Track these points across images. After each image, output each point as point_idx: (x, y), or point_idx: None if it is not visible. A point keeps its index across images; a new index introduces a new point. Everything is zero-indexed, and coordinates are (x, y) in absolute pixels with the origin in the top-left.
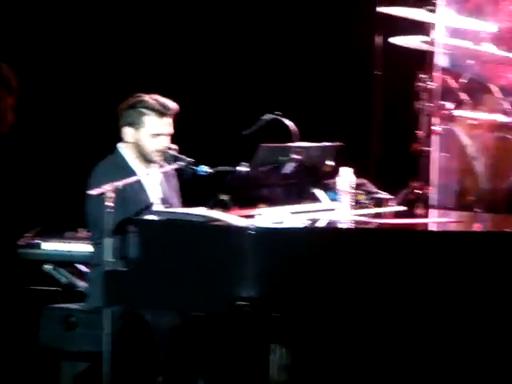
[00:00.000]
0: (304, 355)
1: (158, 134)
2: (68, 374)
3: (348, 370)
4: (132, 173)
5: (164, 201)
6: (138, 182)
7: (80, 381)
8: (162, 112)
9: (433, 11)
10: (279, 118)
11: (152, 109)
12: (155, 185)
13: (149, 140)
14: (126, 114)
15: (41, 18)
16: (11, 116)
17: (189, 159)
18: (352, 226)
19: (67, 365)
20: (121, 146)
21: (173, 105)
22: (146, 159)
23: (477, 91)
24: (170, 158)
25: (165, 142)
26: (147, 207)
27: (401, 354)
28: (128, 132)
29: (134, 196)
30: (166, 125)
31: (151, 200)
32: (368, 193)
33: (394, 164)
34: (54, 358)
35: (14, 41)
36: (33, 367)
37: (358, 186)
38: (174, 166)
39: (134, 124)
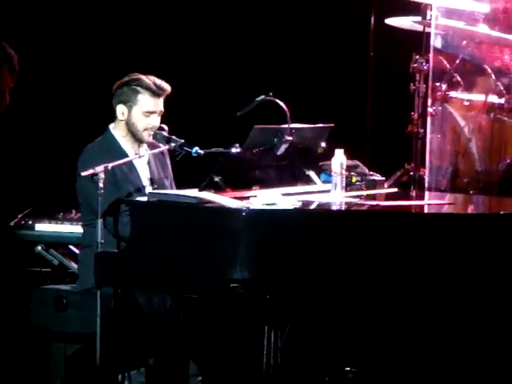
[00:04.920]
0: (298, 337)
1: (151, 113)
2: (59, 355)
3: (341, 350)
4: (123, 153)
5: (153, 181)
6: (129, 163)
7: (72, 362)
8: (155, 92)
9: None
10: (272, 99)
11: (146, 87)
12: (144, 165)
13: (140, 118)
14: (121, 91)
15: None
16: (7, 98)
17: (181, 140)
18: (344, 207)
19: (58, 346)
20: (112, 127)
21: (166, 86)
22: (136, 138)
23: (471, 72)
24: (161, 139)
25: (156, 121)
26: (139, 189)
27: (393, 339)
28: (121, 109)
29: (124, 177)
30: (159, 104)
31: (142, 180)
32: (361, 174)
33: (388, 146)
34: (46, 339)
35: (8, 21)
36: (25, 348)
37: (351, 168)
38: (166, 146)
39: (128, 102)
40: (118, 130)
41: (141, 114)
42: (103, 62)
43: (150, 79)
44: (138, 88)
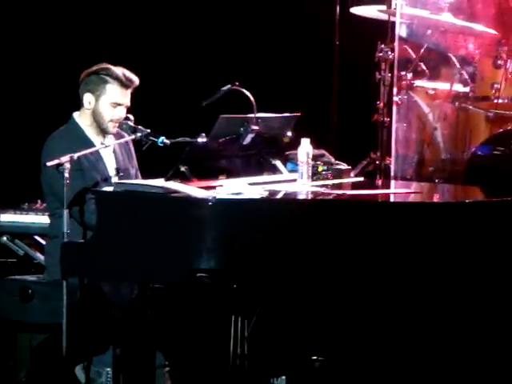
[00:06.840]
0: (264, 326)
1: (117, 104)
2: (25, 345)
3: (308, 340)
4: (88, 142)
5: (119, 171)
6: (95, 152)
7: (37, 352)
8: (124, 83)
9: None
10: (238, 88)
11: (116, 78)
12: (110, 154)
13: (107, 108)
14: (89, 80)
15: None
16: None
17: (147, 130)
18: (310, 196)
19: (23, 336)
20: (76, 115)
21: (135, 78)
22: (101, 128)
23: (436, 61)
24: (127, 129)
25: (122, 113)
26: (106, 178)
27: (364, 328)
28: (88, 98)
29: (91, 166)
30: (126, 96)
31: (108, 170)
32: (327, 164)
33: (354, 135)
34: (11, 329)
35: None
36: None
37: (317, 157)
38: (132, 136)
39: (95, 91)
40: (82, 119)
41: (108, 105)
42: (66, 51)
43: (119, 70)
44: (107, 78)
